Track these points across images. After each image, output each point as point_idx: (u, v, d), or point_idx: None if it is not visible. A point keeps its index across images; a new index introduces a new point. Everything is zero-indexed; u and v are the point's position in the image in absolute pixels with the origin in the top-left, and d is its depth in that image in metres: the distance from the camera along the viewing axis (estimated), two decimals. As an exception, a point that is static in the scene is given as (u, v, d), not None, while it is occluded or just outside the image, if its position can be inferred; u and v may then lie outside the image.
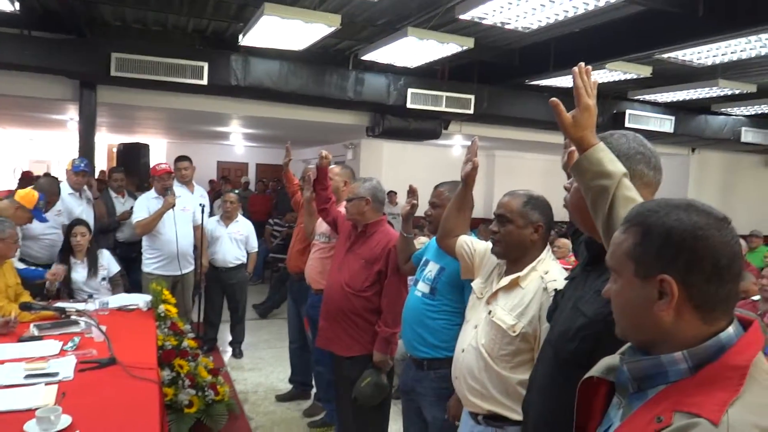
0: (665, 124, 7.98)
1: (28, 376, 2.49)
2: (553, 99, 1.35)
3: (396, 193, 9.72)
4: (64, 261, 4.16)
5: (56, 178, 4.87)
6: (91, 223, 4.87)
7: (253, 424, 3.97)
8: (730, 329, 0.92)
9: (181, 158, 5.20)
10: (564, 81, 5.82)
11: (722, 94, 6.27)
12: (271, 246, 8.50)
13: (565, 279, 1.63)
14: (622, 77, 5.63)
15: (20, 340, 3.03)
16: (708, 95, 6.40)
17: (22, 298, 3.66)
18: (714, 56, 4.71)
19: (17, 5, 4.29)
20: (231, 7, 5.26)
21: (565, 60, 5.59)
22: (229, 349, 5.46)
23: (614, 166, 1.30)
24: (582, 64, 1.36)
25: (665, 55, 4.75)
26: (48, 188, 4.47)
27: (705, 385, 0.88)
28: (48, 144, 13.95)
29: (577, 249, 1.73)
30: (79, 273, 4.19)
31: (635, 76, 5.57)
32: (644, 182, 1.44)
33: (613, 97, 7.64)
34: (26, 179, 8.95)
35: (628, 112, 7.65)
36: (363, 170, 9.81)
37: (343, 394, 3.15)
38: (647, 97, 7.02)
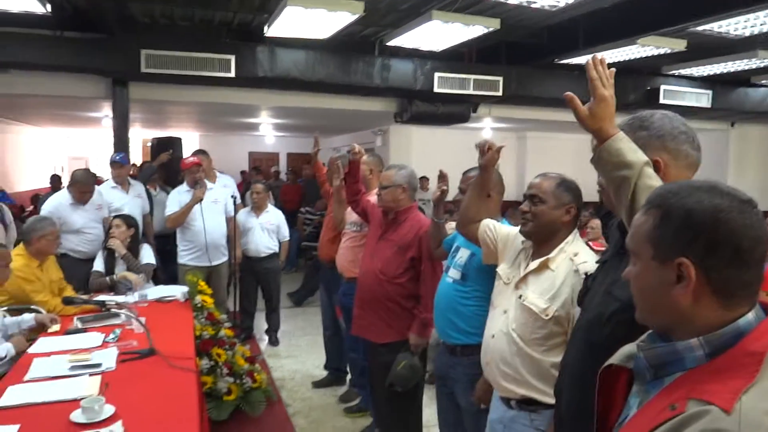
0: (702, 98, 7.73)
1: (72, 368, 2.59)
2: (568, 93, 1.34)
3: (428, 179, 9.67)
4: (109, 255, 4.20)
5: (91, 172, 4.98)
6: (138, 216, 4.93)
7: (291, 410, 4.04)
8: (750, 315, 0.89)
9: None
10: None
11: (762, 65, 6.04)
12: (303, 234, 8.58)
13: (597, 262, 1.61)
14: (656, 52, 5.47)
15: (66, 333, 3.15)
16: (747, 67, 6.17)
17: (66, 292, 3.79)
18: (752, 27, 4.53)
19: (49, 7, 4.39)
20: (255, -1, 5.28)
21: (595, 37, 5.46)
22: (266, 337, 5.55)
23: (635, 155, 1.27)
24: (597, 54, 1.34)
25: (700, 28, 4.60)
26: (82, 179, 4.63)
27: (720, 372, 0.86)
28: (85, 141, 14.33)
29: (607, 232, 1.70)
30: (121, 268, 4.21)
31: (669, 51, 5.40)
32: (688, 162, 1.40)
33: (646, 73, 7.43)
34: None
35: (662, 87, 7.42)
36: (393, 156, 9.79)
37: (378, 381, 3.18)
38: (683, 72, 6.81)
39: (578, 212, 2.06)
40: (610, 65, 1.34)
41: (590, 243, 3.45)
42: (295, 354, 5.22)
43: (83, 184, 4.61)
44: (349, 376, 4.38)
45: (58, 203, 4.62)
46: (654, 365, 0.96)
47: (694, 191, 0.91)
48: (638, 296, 1.00)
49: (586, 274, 1.69)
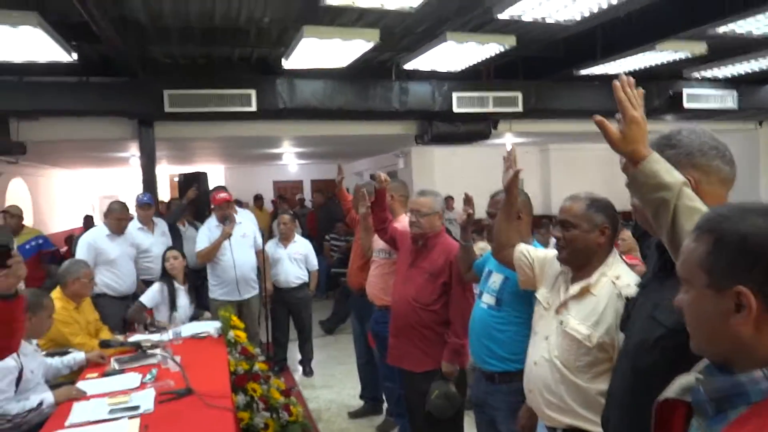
0: (727, 99, 7.57)
1: (112, 411, 2.61)
2: (597, 116, 1.31)
3: (453, 198, 9.64)
4: (169, 286, 4.26)
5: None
6: None
7: (329, 442, 4.00)
8: None
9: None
10: (613, 68, 5.64)
11: (787, 62, 5.92)
12: (331, 261, 8.59)
13: (637, 286, 1.56)
14: (675, 57, 5.39)
15: (105, 375, 3.18)
16: (772, 65, 6.05)
17: (102, 332, 3.85)
18: (774, 25, 4.44)
19: (75, 55, 4.53)
20: (272, 34, 5.37)
21: (612, 46, 5.42)
22: (299, 368, 5.53)
23: (671, 176, 1.23)
24: (623, 76, 1.31)
25: (720, 30, 4.52)
26: (119, 207, 4.83)
27: None
28: (115, 180, 14.64)
29: (645, 252, 1.65)
30: (182, 299, 4.31)
31: (689, 55, 5.33)
32: (720, 178, 1.37)
33: (668, 77, 7.32)
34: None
35: (685, 92, 7.30)
36: (416, 177, 9.78)
37: (415, 409, 3.13)
38: (705, 74, 6.69)
39: (614, 232, 2.00)
40: (631, 74, 1.31)
41: (623, 256, 3.36)
42: (330, 384, 5.18)
43: (120, 212, 4.80)
44: (385, 405, 4.33)
45: (95, 234, 4.84)
46: (715, 399, 0.90)
47: (746, 215, 0.87)
48: (693, 326, 0.96)
49: (626, 298, 1.64)
